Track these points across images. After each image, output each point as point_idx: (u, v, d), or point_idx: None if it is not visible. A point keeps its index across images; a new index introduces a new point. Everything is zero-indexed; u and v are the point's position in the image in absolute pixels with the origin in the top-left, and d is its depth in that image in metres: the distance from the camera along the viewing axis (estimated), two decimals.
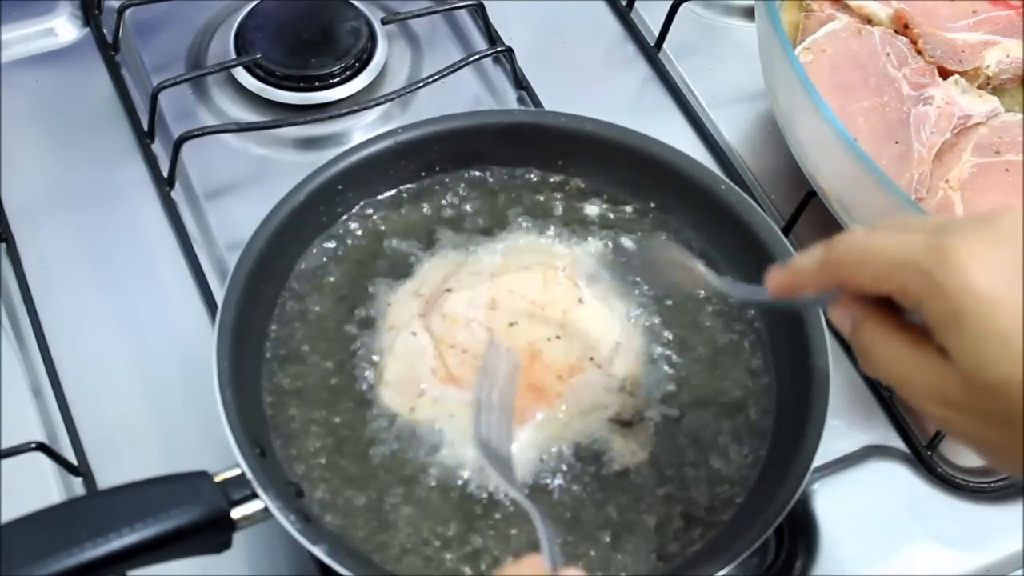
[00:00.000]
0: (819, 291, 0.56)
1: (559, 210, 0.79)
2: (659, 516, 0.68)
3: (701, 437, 0.71)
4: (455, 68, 0.90)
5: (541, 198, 0.80)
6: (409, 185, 0.79)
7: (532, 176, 0.80)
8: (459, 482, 0.67)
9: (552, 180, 0.80)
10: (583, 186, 0.80)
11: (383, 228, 0.78)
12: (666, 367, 0.73)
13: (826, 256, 0.54)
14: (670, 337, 0.74)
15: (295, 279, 0.75)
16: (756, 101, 0.93)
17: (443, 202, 0.79)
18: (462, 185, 0.80)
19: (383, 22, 0.93)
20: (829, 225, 0.80)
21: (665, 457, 0.70)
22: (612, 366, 0.72)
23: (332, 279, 0.76)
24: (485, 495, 0.67)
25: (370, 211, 0.78)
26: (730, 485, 0.69)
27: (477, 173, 0.80)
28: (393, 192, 0.79)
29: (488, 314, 0.72)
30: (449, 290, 0.73)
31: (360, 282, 0.76)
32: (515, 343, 0.70)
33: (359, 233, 0.77)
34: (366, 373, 0.72)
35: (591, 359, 0.72)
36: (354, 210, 0.78)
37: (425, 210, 0.79)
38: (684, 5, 0.96)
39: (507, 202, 0.79)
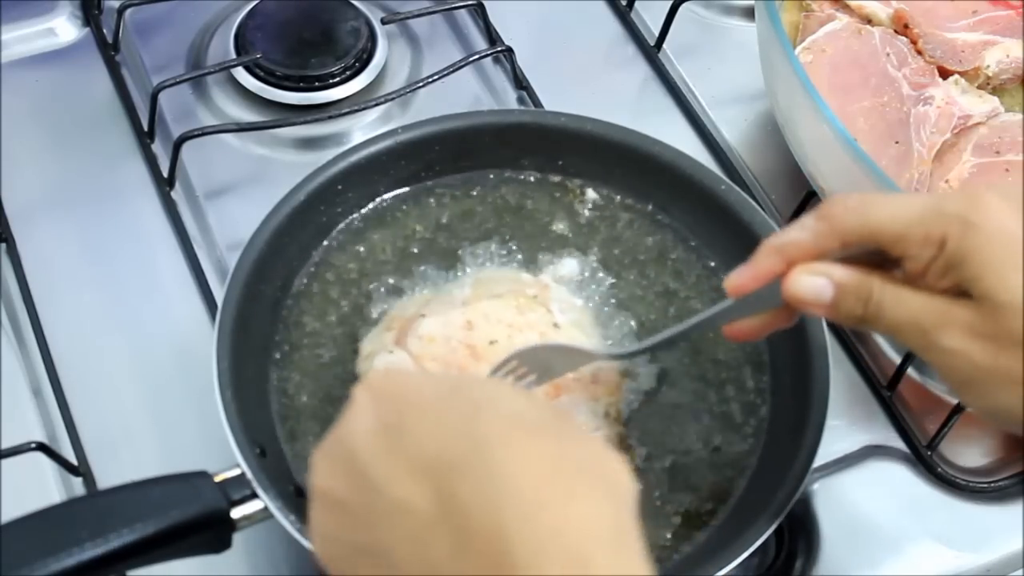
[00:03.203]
0: (769, 286, 0.56)
1: (553, 217, 0.79)
2: (658, 517, 0.68)
3: (700, 437, 0.71)
4: (455, 68, 0.90)
5: (538, 202, 0.80)
6: (412, 186, 0.79)
7: (530, 178, 0.80)
8: None
9: (548, 186, 0.80)
10: (581, 187, 0.80)
11: (380, 243, 0.78)
12: (660, 367, 0.73)
13: (825, 223, 0.55)
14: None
15: (295, 279, 0.75)
16: (756, 101, 0.93)
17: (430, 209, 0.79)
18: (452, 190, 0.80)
19: (383, 22, 0.93)
20: None
21: (664, 457, 0.70)
22: (595, 387, 0.71)
23: (333, 279, 0.76)
24: None
25: (371, 216, 0.78)
26: (729, 485, 0.69)
27: (468, 177, 0.80)
28: (393, 195, 0.79)
29: (466, 334, 0.70)
30: (423, 316, 0.71)
31: (361, 282, 0.76)
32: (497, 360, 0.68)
33: (359, 240, 0.77)
34: (368, 371, 0.72)
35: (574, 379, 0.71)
36: (357, 217, 0.78)
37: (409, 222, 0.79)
38: (684, 5, 0.96)
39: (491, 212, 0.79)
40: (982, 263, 0.51)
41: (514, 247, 0.78)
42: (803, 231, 0.56)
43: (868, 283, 0.54)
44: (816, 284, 0.55)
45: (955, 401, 0.77)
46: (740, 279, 0.58)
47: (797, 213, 0.84)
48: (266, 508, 0.60)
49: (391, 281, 0.76)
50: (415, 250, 0.77)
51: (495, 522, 0.42)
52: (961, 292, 0.52)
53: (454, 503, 0.43)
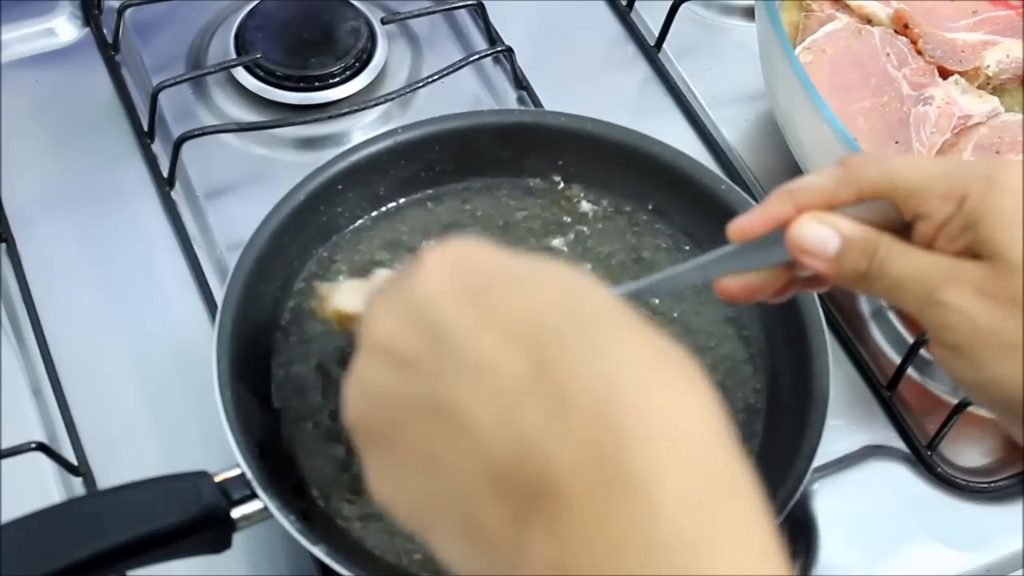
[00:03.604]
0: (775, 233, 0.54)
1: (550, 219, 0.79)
2: None
3: None
4: (455, 68, 0.90)
5: (538, 203, 0.80)
6: (412, 186, 0.79)
7: (531, 179, 0.80)
8: None
9: (548, 186, 0.80)
10: (580, 189, 0.80)
11: (380, 243, 0.77)
12: None
13: (845, 169, 0.54)
14: None
15: (295, 279, 0.75)
16: (756, 101, 0.93)
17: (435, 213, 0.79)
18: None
19: (383, 22, 0.93)
20: None
21: None
22: None
23: (333, 280, 0.76)
24: None
25: (371, 216, 0.78)
26: None
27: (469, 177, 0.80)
28: (393, 195, 0.79)
29: None
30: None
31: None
32: None
33: (359, 240, 0.77)
34: None
35: None
36: (357, 216, 0.78)
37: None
38: (684, 5, 0.96)
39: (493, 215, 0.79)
40: (1001, 221, 0.49)
41: (514, 248, 0.77)
42: (819, 175, 0.54)
43: (876, 238, 0.53)
44: (823, 233, 0.53)
45: (955, 401, 0.77)
46: (746, 221, 0.55)
47: None
48: (266, 508, 0.60)
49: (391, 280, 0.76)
50: (415, 250, 0.77)
51: (601, 397, 0.38)
52: (972, 256, 0.51)
53: (553, 371, 0.39)
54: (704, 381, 0.41)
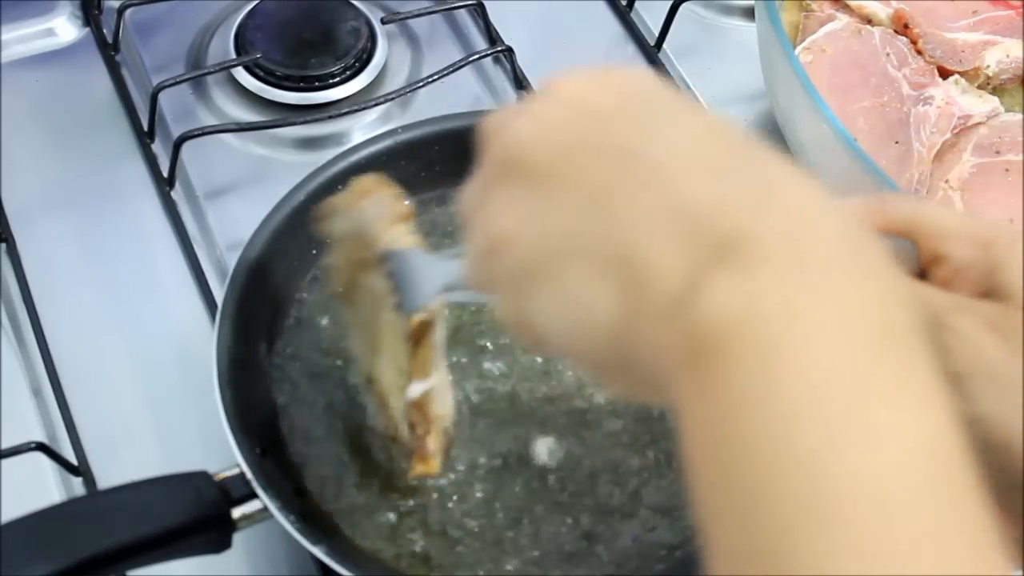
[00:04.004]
0: None
1: None
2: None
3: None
4: (455, 68, 0.90)
5: None
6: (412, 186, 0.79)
7: None
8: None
9: None
10: None
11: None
12: None
13: (877, 200, 0.53)
14: None
15: (295, 278, 0.75)
16: (756, 101, 0.93)
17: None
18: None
19: (383, 22, 0.93)
20: None
21: (662, 456, 0.70)
22: None
23: (333, 280, 0.76)
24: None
25: None
26: None
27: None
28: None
29: None
30: None
31: (361, 284, 0.76)
32: None
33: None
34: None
35: None
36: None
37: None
38: (684, 5, 0.96)
39: None
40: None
41: None
42: (851, 200, 0.53)
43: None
44: None
45: None
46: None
47: None
48: (266, 508, 0.60)
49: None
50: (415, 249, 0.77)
51: (805, 204, 0.38)
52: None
53: (756, 163, 0.39)
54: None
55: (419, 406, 0.60)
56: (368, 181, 0.64)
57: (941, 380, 0.36)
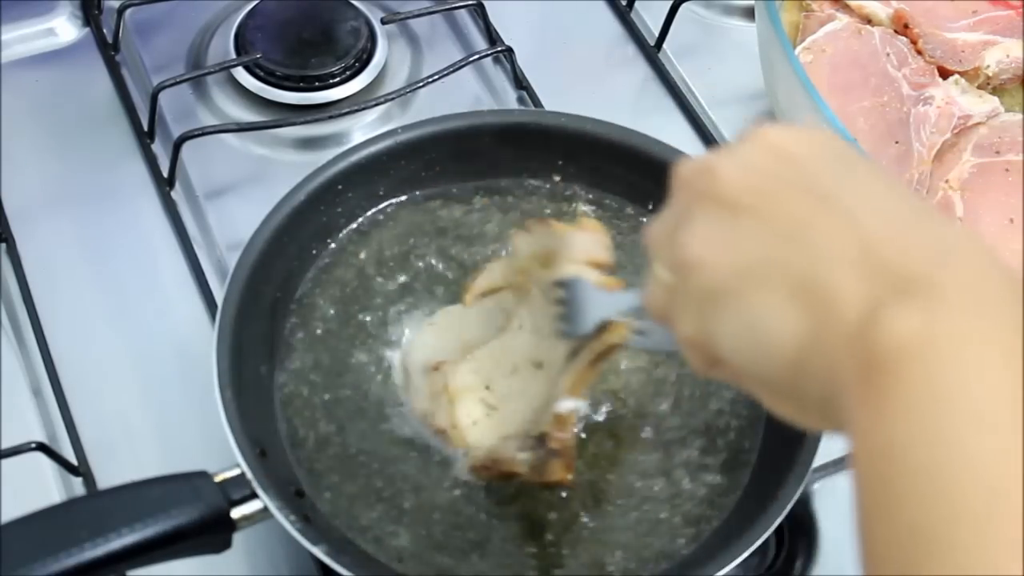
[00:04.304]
0: None
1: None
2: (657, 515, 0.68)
3: (700, 436, 0.71)
4: (455, 68, 0.90)
5: (539, 204, 0.80)
6: (412, 186, 0.79)
7: (531, 179, 0.80)
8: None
9: (548, 185, 0.80)
10: (580, 189, 0.80)
11: (380, 243, 0.77)
12: (661, 370, 0.73)
13: None
14: None
15: (295, 279, 0.75)
16: (756, 101, 0.93)
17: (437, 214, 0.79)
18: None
19: (383, 22, 0.93)
20: None
21: (663, 456, 0.70)
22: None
23: (333, 280, 0.76)
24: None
25: (371, 216, 0.78)
26: (729, 484, 0.69)
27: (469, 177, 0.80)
28: (393, 195, 0.79)
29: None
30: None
31: (360, 281, 0.76)
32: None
33: (359, 240, 0.78)
34: (368, 372, 0.72)
35: None
36: (357, 217, 0.78)
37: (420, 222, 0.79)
38: (684, 5, 0.96)
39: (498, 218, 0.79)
40: None
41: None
42: None
43: None
44: None
45: None
46: None
47: None
48: (266, 508, 0.60)
49: (391, 281, 0.76)
50: (415, 250, 0.77)
51: (986, 259, 0.42)
52: None
53: (936, 224, 0.43)
54: None
55: (561, 419, 0.63)
56: (591, 221, 0.68)
57: None
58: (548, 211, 0.80)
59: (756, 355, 0.44)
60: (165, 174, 0.86)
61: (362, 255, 0.77)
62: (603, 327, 0.61)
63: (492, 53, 0.93)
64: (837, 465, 0.77)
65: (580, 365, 0.62)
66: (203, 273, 0.81)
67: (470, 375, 0.69)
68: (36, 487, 0.72)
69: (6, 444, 0.70)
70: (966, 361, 0.38)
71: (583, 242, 0.66)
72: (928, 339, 0.38)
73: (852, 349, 0.40)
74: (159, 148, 0.88)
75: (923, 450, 0.37)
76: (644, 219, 0.79)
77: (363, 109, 0.89)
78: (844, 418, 0.41)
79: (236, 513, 0.59)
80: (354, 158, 0.76)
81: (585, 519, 0.67)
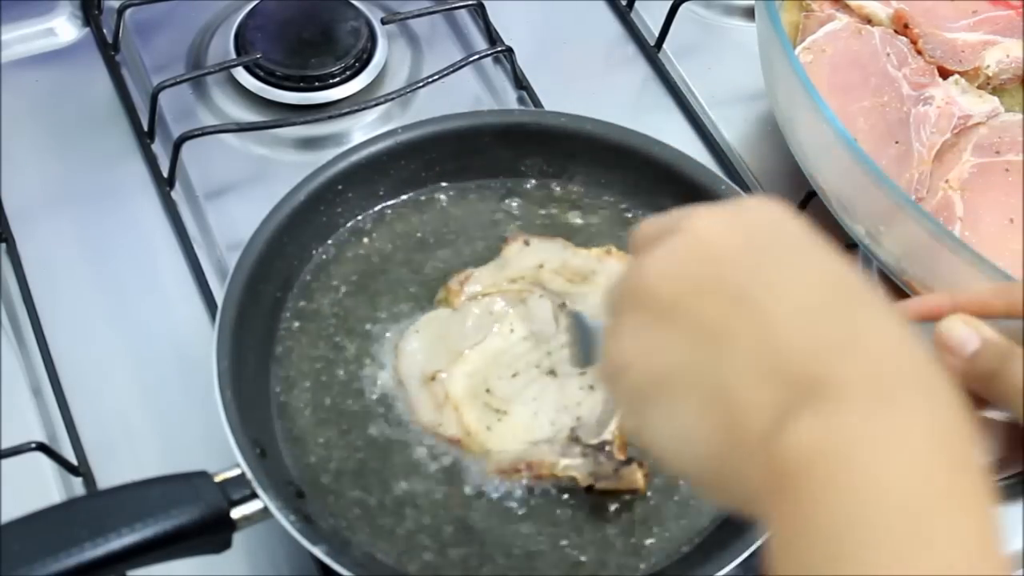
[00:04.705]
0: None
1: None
2: (659, 516, 0.68)
3: None
4: (455, 68, 0.90)
5: (539, 205, 0.80)
6: (412, 186, 0.79)
7: (531, 179, 0.80)
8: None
9: (548, 185, 0.80)
10: (580, 189, 0.80)
11: (380, 243, 0.78)
12: None
13: (1007, 287, 0.57)
14: None
15: (295, 278, 0.75)
16: (756, 101, 0.93)
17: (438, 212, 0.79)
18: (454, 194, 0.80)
19: (383, 22, 0.93)
20: (829, 225, 0.79)
21: None
22: None
23: (333, 280, 0.76)
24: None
25: (371, 216, 0.78)
26: None
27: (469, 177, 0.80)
28: (393, 195, 0.79)
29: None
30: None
31: (360, 281, 0.76)
32: None
33: (359, 240, 0.78)
34: (368, 372, 0.72)
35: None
36: (357, 217, 0.78)
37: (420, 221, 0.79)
38: (684, 5, 0.96)
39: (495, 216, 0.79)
40: None
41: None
42: (983, 284, 0.58)
43: (1011, 347, 0.55)
44: (965, 333, 0.56)
45: None
46: (908, 305, 0.59)
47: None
48: (266, 508, 0.60)
49: (391, 281, 0.76)
50: (415, 250, 0.77)
51: (893, 352, 0.43)
52: None
53: (853, 311, 0.44)
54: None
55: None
56: (621, 253, 0.74)
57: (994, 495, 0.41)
58: (547, 212, 0.80)
59: (680, 455, 0.46)
60: (165, 174, 0.86)
61: (361, 255, 0.77)
62: None
63: (492, 53, 0.93)
64: None
65: None
66: (203, 273, 0.81)
67: (466, 379, 0.70)
68: (36, 487, 0.72)
69: (6, 444, 0.70)
70: (865, 469, 0.39)
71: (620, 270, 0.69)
72: (830, 446, 0.40)
73: (761, 459, 0.42)
74: (159, 148, 0.88)
75: (828, 564, 0.38)
76: (644, 218, 0.79)
77: (363, 109, 0.89)
78: (764, 519, 0.42)
79: (236, 513, 0.59)
80: (354, 158, 0.76)
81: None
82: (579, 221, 0.79)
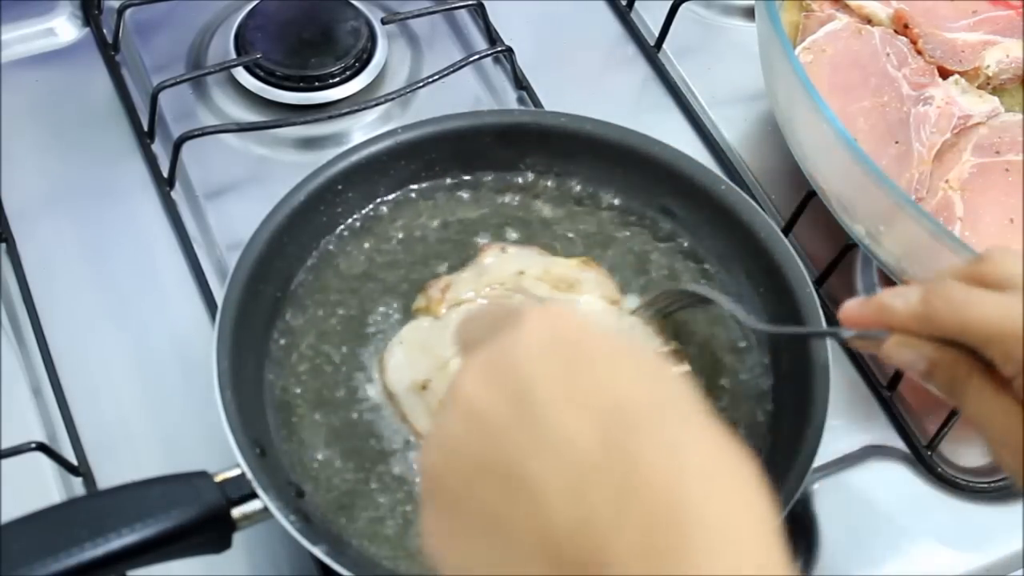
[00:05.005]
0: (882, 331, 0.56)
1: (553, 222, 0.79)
2: None
3: None
4: (455, 68, 0.90)
5: (539, 204, 0.80)
6: (412, 187, 0.79)
7: (531, 180, 0.80)
8: None
9: (548, 185, 0.80)
10: (580, 189, 0.80)
11: (381, 243, 0.78)
12: None
13: (925, 310, 0.54)
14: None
15: (295, 279, 0.75)
16: (756, 101, 0.93)
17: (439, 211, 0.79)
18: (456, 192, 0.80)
19: (383, 22, 0.93)
20: (829, 225, 0.80)
21: None
22: None
23: (334, 280, 0.76)
24: None
25: (372, 216, 0.78)
26: None
27: (469, 177, 0.80)
28: (393, 196, 0.79)
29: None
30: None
31: (360, 282, 0.76)
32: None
33: (359, 240, 0.78)
34: (368, 373, 0.72)
35: None
36: (355, 215, 0.78)
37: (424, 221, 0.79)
38: (684, 5, 0.96)
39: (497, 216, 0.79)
40: None
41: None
42: (906, 307, 0.55)
43: (956, 368, 0.54)
44: (911, 356, 0.56)
45: None
46: (849, 314, 0.58)
47: (797, 213, 0.84)
48: (266, 508, 0.60)
49: (391, 281, 0.76)
50: (415, 251, 0.77)
51: (666, 492, 0.41)
52: None
53: (626, 457, 0.42)
54: (759, 480, 0.43)
55: None
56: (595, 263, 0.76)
57: None
58: (548, 211, 0.80)
59: None
60: (165, 174, 0.86)
61: (361, 255, 0.77)
62: None
63: (492, 53, 0.93)
64: (837, 465, 0.77)
65: None
66: (203, 273, 0.81)
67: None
68: (36, 487, 0.72)
69: (6, 444, 0.70)
70: None
71: (599, 280, 0.73)
72: None
73: None
74: (159, 148, 0.88)
75: None
76: (643, 217, 0.79)
77: (363, 109, 0.89)
78: None
79: (236, 513, 0.59)
80: (354, 158, 0.76)
81: None
82: (579, 220, 0.79)
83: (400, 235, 0.78)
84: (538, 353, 0.45)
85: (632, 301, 0.75)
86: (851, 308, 0.58)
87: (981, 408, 0.53)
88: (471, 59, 0.92)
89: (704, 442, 0.44)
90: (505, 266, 0.74)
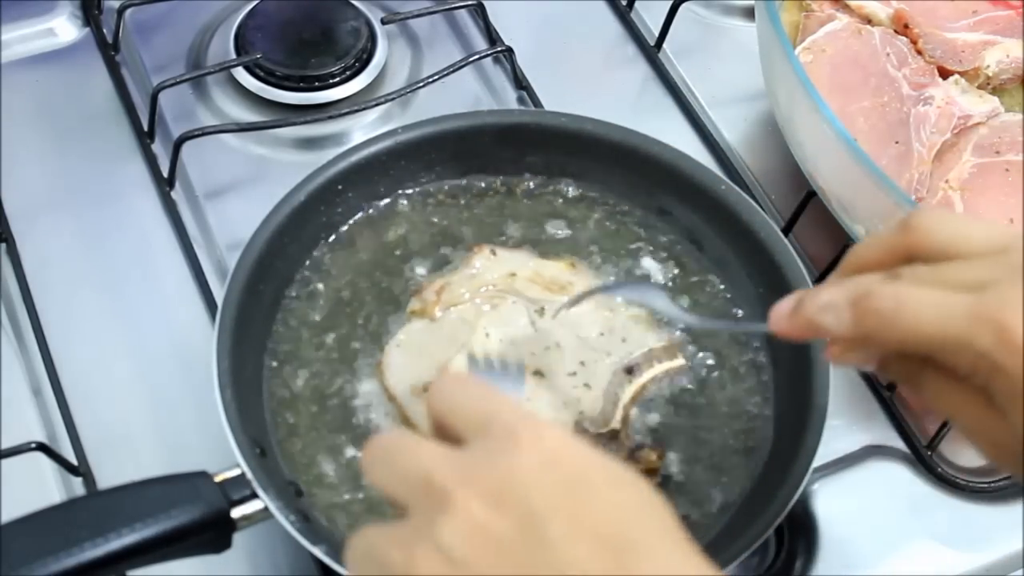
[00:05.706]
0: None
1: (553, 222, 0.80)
2: None
3: (700, 437, 0.71)
4: (455, 68, 0.90)
5: (539, 204, 0.80)
6: (412, 187, 0.79)
7: (531, 180, 0.81)
8: None
9: (548, 185, 0.81)
10: (580, 189, 0.80)
11: (381, 243, 0.78)
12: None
13: (858, 331, 0.51)
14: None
15: (295, 278, 0.75)
16: (756, 101, 0.93)
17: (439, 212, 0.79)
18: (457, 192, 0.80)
19: (383, 22, 0.93)
20: (829, 225, 0.80)
21: (665, 458, 0.70)
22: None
23: (334, 280, 0.76)
24: None
25: (372, 216, 0.78)
26: (729, 484, 0.69)
27: (469, 178, 0.80)
28: (393, 196, 0.79)
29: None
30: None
31: (360, 282, 0.76)
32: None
33: (359, 241, 0.78)
34: (368, 374, 0.72)
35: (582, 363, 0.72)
36: (357, 217, 0.78)
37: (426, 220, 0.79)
38: (684, 5, 0.96)
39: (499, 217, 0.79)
40: (1009, 401, 0.47)
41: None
42: (838, 326, 0.52)
43: (907, 363, 0.52)
44: (856, 359, 0.55)
45: None
46: (779, 328, 0.55)
47: (797, 213, 0.84)
48: (266, 508, 0.60)
49: (389, 282, 0.76)
50: (415, 251, 0.77)
51: None
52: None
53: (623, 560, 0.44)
54: None
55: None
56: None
57: None
58: (548, 212, 0.80)
59: None
60: (165, 174, 0.86)
61: (362, 256, 0.77)
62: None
63: (492, 53, 0.93)
64: (837, 465, 0.77)
65: (642, 380, 0.71)
66: (203, 273, 0.81)
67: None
68: (36, 487, 0.72)
69: (6, 444, 0.70)
70: None
71: (590, 282, 0.75)
72: None
73: None
74: (159, 148, 0.88)
75: None
76: (643, 218, 0.79)
77: (363, 109, 0.89)
78: None
79: (236, 513, 0.59)
80: (354, 158, 0.76)
81: None
82: (579, 220, 0.79)
83: (400, 235, 0.78)
84: (540, 478, 0.46)
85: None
86: (779, 321, 0.55)
87: (942, 399, 0.51)
88: (471, 59, 0.92)
89: (694, 567, 0.47)
90: (497, 268, 0.75)
